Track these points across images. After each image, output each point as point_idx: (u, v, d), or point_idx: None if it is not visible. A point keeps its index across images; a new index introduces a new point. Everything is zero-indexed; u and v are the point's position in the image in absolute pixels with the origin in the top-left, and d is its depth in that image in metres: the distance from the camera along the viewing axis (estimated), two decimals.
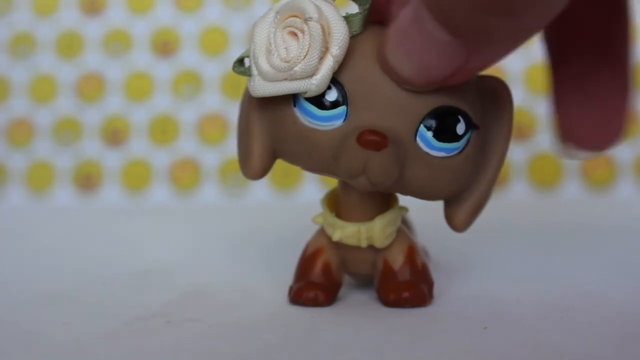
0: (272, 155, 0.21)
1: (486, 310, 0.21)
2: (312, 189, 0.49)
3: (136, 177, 0.50)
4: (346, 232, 0.21)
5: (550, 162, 0.48)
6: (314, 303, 0.22)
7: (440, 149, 0.19)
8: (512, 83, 0.50)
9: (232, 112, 0.51)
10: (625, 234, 0.34)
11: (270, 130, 0.20)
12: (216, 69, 0.52)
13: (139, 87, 0.52)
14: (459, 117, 0.19)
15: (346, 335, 0.19)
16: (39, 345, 0.19)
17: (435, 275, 0.23)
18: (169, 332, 0.19)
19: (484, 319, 0.20)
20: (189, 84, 0.52)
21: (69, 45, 0.53)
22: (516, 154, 0.49)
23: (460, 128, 0.19)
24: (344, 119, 0.19)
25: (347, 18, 0.19)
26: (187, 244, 0.34)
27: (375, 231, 0.21)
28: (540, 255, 0.29)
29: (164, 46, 0.52)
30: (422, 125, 0.19)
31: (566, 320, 0.20)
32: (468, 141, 0.19)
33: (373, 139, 0.18)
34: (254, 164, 0.21)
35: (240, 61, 0.20)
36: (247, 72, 0.19)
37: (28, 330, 0.20)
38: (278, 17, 0.19)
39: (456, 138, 0.19)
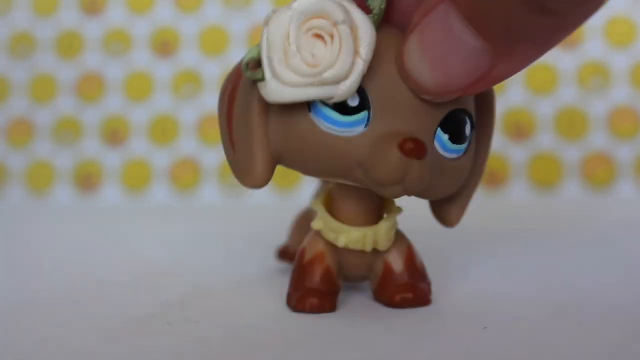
0: (275, 163, 0.20)
1: (486, 310, 0.21)
2: (312, 190, 0.49)
3: (136, 177, 0.50)
4: (352, 237, 0.21)
5: (550, 162, 0.48)
6: (321, 310, 0.21)
7: (452, 151, 0.19)
8: (513, 83, 0.50)
9: None
10: (625, 234, 0.34)
11: (279, 136, 0.19)
12: (216, 69, 0.51)
13: (139, 87, 0.52)
14: (467, 118, 0.19)
15: (346, 336, 0.19)
16: (38, 346, 0.19)
17: (434, 275, 0.23)
18: (169, 333, 0.19)
19: (484, 319, 0.20)
20: (189, 84, 0.52)
21: (69, 45, 0.53)
22: (516, 154, 0.49)
23: (468, 129, 0.19)
24: (366, 125, 0.18)
25: None
26: (187, 244, 0.34)
27: (381, 235, 0.21)
28: (540, 255, 0.29)
29: (164, 46, 0.52)
30: (439, 129, 0.19)
31: (566, 320, 0.20)
32: (470, 141, 0.20)
33: (416, 148, 0.18)
34: (258, 173, 0.20)
35: (255, 63, 0.18)
36: (260, 76, 0.18)
37: (27, 330, 0.20)
38: (302, 18, 0.18)
39: (465, 139, 0.19)
